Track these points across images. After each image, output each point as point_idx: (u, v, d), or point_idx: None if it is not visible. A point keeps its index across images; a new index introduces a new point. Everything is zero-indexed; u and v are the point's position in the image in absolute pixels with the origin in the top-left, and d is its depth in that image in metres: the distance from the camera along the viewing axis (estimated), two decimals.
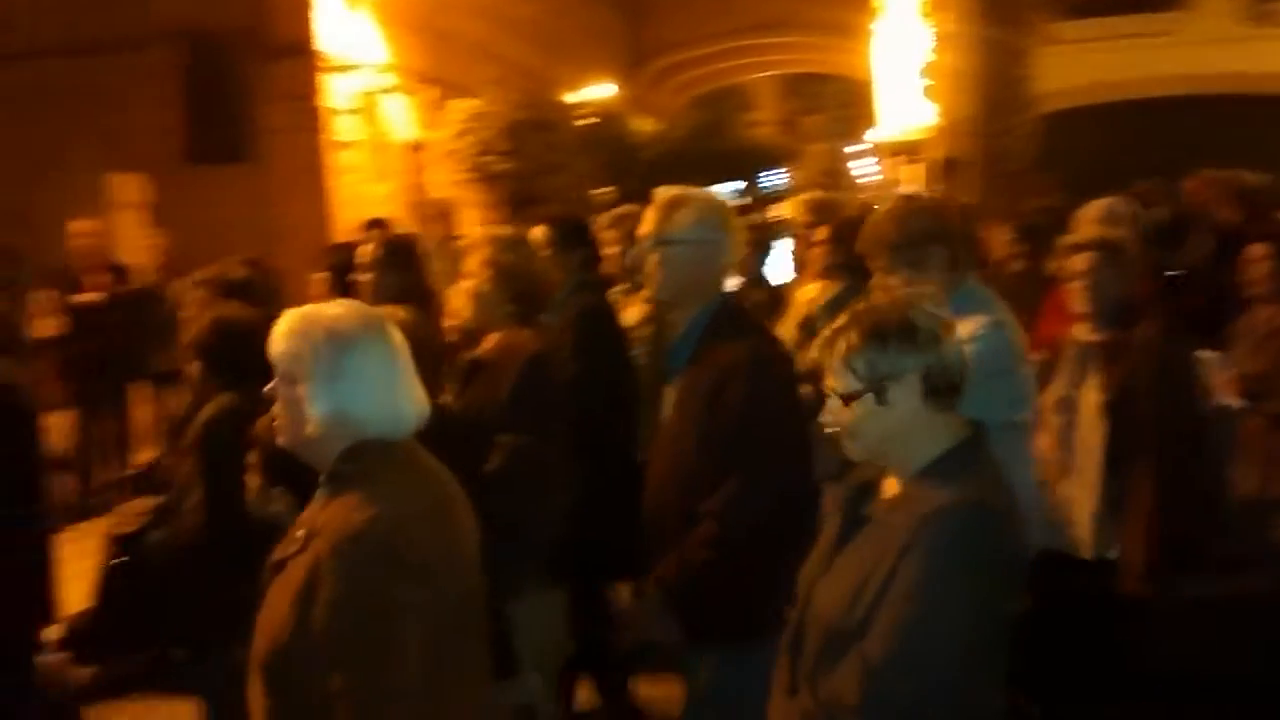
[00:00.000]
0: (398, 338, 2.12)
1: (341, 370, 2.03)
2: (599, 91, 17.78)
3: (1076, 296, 3.70)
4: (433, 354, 3.32)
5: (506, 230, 3.94)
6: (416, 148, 13.74)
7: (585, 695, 4.42)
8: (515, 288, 3.55)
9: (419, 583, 1.97)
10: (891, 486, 2.14)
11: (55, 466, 7.39)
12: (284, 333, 2.08)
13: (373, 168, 12.78)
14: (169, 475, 3.83)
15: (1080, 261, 3.68)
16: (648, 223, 3.04)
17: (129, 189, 10.44)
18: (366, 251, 4.58)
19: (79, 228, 7.95)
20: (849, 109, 29.54)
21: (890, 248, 3.17)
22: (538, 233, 4.32)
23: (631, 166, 15.40)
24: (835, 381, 2.08)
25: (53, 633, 3.69)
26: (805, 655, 2.11)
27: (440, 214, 11.84)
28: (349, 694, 1.92)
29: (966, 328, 3.08)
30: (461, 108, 13.76)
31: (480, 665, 2.17)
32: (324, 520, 2.02)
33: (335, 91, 12.27)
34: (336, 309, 2.12)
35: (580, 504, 3.53)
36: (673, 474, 2.95)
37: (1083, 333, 3.71)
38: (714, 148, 19.79)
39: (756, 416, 2.82)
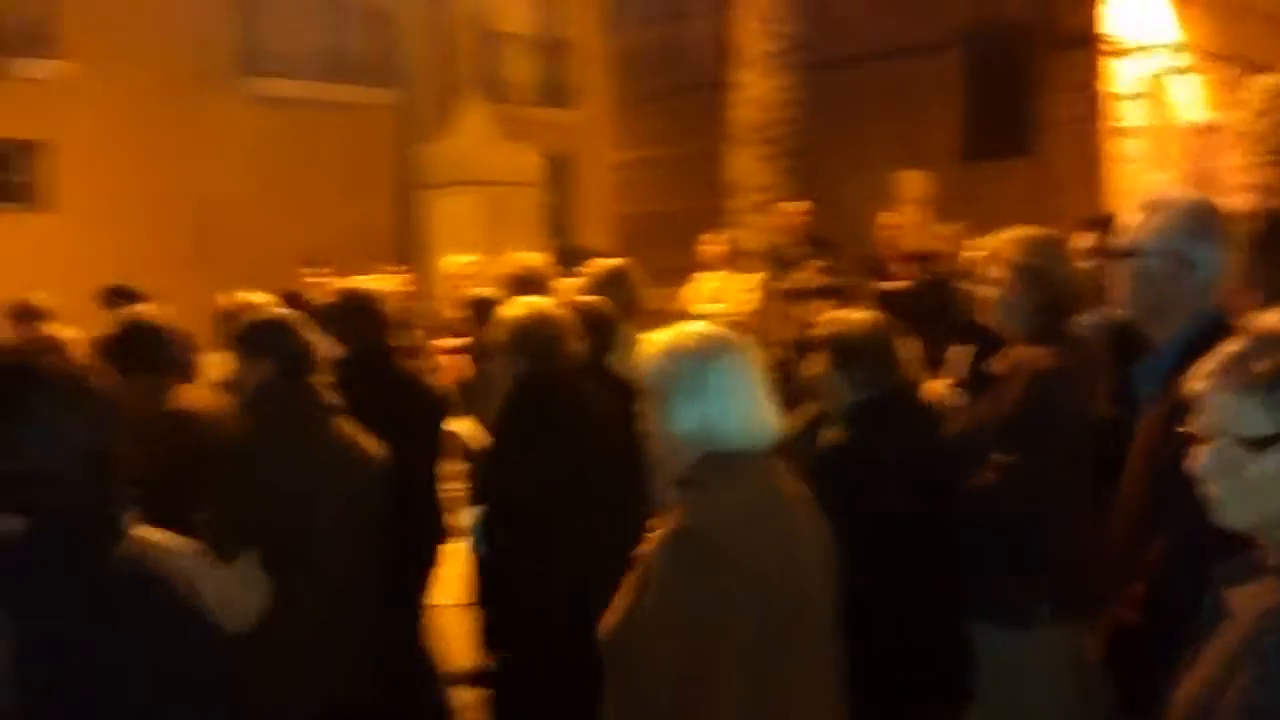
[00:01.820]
0: (752, 356, 2.25)
1: (703, 387, 2.16)
2: None
3: None
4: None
5: (1035, 231, 3.52)
6: (1207, 131, 12.77)
7: None
8: (1044, 295, 3.18)
9: (744, 582, 2.05)
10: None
11: None
12: (651, 352, 2.24)
13: (1154, 154, 12.14)
14: None
15: None
16: (1121, 231, 2.75)
17: (915, 184, 11.00)
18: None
19: (885, 220, 8.67)
20: None
21: None
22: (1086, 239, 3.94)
23: None
24: (1234, 420, 1.63)
25: None
26: None
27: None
28: (673, 678, 2.05)
29: None
30: (1262, 85, 12.50)
31: (813, 681, 2.19)
32: (668, 521, 2.17)
33: (1119, 77, 11.84)
34: (698, 329, 2.26)
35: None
36: (1125, 517, 2.62)
37: None
38: None
39: None
